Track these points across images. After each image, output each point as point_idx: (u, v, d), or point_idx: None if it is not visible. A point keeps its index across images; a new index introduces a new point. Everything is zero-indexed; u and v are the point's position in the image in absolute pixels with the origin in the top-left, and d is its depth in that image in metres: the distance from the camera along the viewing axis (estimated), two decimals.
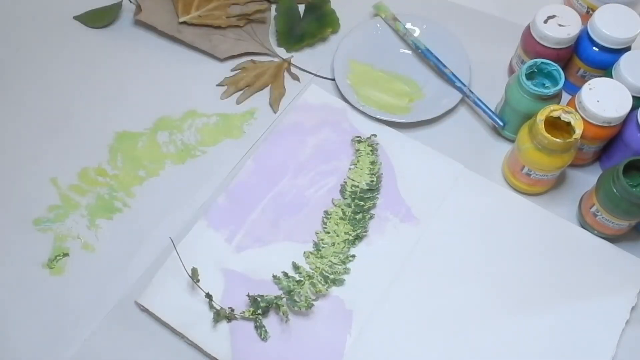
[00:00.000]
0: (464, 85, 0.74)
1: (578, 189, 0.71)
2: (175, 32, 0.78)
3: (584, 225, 0.69)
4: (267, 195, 0.69)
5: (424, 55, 0.77)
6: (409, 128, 0.74)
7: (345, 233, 0.67)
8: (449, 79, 0.75)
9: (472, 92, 0.74)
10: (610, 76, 0.67)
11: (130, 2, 0.81)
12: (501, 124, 0.71)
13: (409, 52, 0.79)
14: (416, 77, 0.77)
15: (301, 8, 0.80)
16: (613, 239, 0.68)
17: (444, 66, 0.75)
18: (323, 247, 0.66)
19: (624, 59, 0.66)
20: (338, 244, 0.67)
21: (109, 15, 0.80)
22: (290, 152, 0.72)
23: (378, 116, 0.73)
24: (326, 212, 0.68)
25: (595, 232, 0.68)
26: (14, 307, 0.64)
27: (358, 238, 0.67)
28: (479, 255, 0.67)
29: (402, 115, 0.73)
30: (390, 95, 0.76)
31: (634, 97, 0.64)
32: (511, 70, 0.77)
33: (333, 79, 0.76)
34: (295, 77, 0.77)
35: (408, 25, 0.79)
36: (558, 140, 0.63)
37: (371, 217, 0.68)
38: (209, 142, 0.73)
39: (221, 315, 0.62)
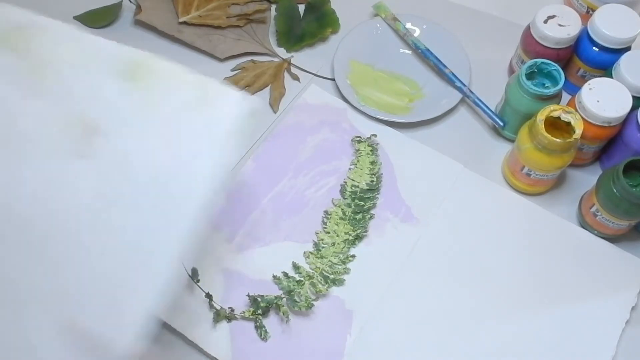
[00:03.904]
0: (464, 85, 0.74)
1: (578, 189, 0.71)
2: (175, 32, 0.78)
3: (584, 225, 0.69)
4: (267, 195, 0.69)
5: (424, 55, 0.77)
6: (409, 128, 0.74)
7: (345, 233, 0.67)
8: (449, 79, 0.75)
9: (472, 92, 0.74)
10: (610, 76, 0.67)
11: (130, 2, 0.81)
12: (501, 124, 0.71)
13: (409, 52, 0.79)
14: (416, 77, 0.77)
15: (301, 8, 0.80)
16: (613, 239, 0.68)
17: (444, 66, 0.75)
18: (323, 247, 0.66)
19: (624, 59, 0.66)
20: (338, 244, 0.67)
21: (109, 15, 0.80)
22: (290, 152, 0.72)
23: (378, 116, 0.73)
24: (326, 212, 0.68)
25: (595, 232, 0.68)
26: None
27: (358, 238, 0.67)
28: (479, 255, 0.67)
29: (402, 115, 0.73)
30: (390, 95, 0.76)
31: (634, 97, 0.64)
32: (511, 70, 0.77)
33: (333, 79, 0.76)
34: (295, 77, 0.77)
35: (408, 25, 0.79)
36: (558, 140, 0.63)
37: (371, 217, 0.68)
38: None
39: (221, 315, 0.62)
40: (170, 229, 0.46)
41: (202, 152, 0.47)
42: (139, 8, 0.79)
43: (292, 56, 0.78)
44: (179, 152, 0.47)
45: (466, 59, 0.77)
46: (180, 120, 0.47)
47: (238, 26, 0.79)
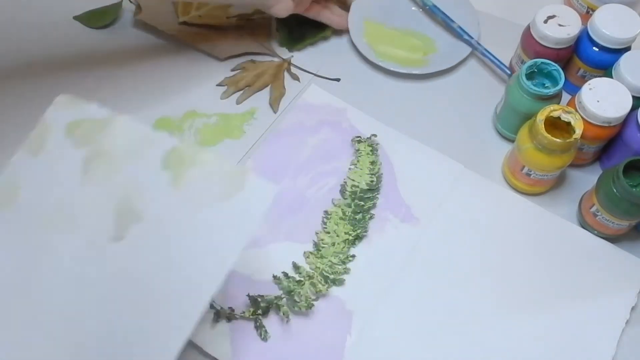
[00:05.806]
0: (472, 38, 0.77)
1: (578, 189, 0.71)
2: (175, 32, 0.78)
3: (584, 225, 0.69)
4: None
5: (432, 11, 0.79)
6: (427, 79, 0.77)
7: (345, 233, 0.67)
8: (457, 34, 0.78)
9: (480, 44, 0.77)
10: (610, 76, 0.67)
11: (130, 2, 0.81)
12: (509, 72, 0.74)
13: (420, 10, 0.82)
14: (428, 32, 0.80)
15: None
16: (613, 239, 0.68)
17: (452, 20, 0.78)
18: (323, 247, 0.66)
19: (624, 59, 0.66)
20: (338, 244, 0.67)
21: (109, 15, 0.80)
22: (290, 152, 0.72)
23: (397, 69, 0.76)
24: (326, 212, 0.68)
25: (595, 232, 0.68)
26: None
27: (358, 238, 0.67)
28: (479, 256, 0.67)
29: (419, 68, 0.76)
30: (405, 50, 0.78)
31: (634, 97, 0.64)
32: (511, 71, 0.77)
33: (333, 79, 0.77)
34: (295, 77, 0.77)
35: None
36: (558, 140, 0.63)
37: (371, 217, 0.68)
38: (209, 142, 0.73)
39: (221, 315, 0.62)
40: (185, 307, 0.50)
41: (227, 241, 0.51)
42: (139, 8, 0.79)
43: (292, 56, 0.78)
44: (207, 240, 0.51)
45: (474, 12, 0.79)
46: (213, 210, 0.51)
47: (238, 26, 0.79)
